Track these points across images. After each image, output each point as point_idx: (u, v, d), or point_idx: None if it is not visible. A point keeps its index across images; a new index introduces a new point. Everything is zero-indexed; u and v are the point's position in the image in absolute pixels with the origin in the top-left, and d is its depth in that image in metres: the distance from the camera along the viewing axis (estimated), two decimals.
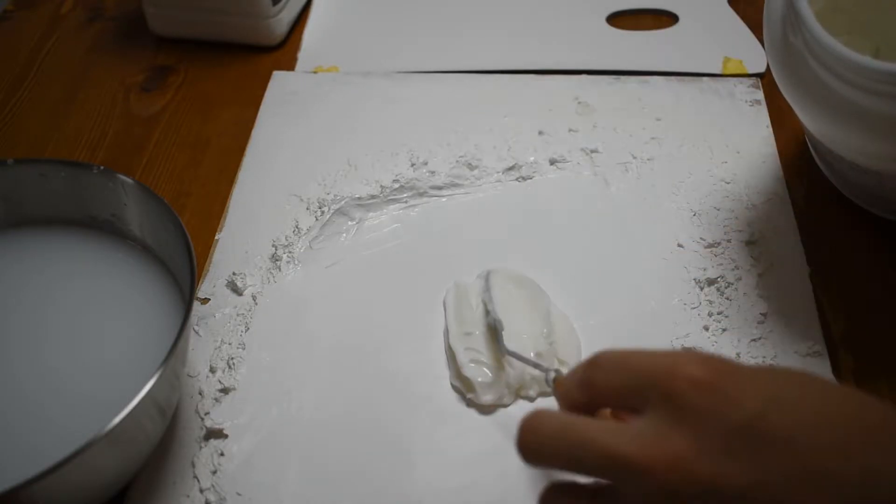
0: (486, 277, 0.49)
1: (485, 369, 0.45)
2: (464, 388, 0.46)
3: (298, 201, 0.56)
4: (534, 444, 0.33)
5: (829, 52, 0.43)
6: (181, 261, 0.43)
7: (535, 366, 0.42)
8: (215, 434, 0.45)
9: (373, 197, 0.55)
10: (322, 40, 0.69)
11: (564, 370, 0.46)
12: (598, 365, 0.34)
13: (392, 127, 0.60)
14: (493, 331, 0.46)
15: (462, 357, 0.46)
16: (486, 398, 0.45)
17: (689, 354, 0.32)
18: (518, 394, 0.46)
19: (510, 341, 0.45)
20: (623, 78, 0.64)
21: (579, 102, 0.62)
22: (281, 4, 0.67)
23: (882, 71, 0.41)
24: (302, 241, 0.53)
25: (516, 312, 0.47)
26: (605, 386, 0.33)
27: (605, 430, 0.31)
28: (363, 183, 0.56)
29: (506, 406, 0.45)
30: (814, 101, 0.46)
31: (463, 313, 0.48)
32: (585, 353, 0.47)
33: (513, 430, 0.44)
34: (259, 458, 0.44)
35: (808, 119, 0.48)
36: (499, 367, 0.45)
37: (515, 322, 0.47)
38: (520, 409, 0.45)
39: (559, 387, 0.37)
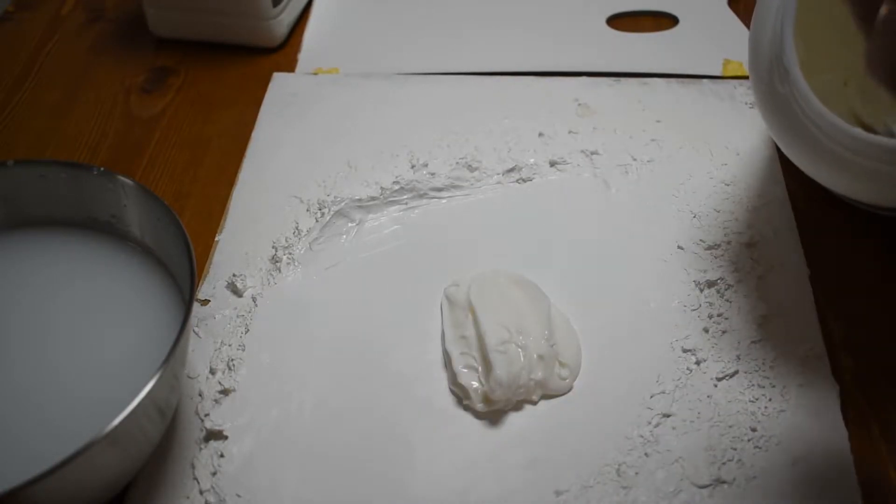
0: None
1: (479, 376, 0.45)
2: (461, 394, 0.46)
3: (298, 203, 0.56)
4: None
5: (815, 113, 0.44)
6: (181, 262, 0.43)
7: None
8: (215, 435, 0.45)
9: (373, 198, 0.55)
10: (322, 42, 0.69)
11: (565, 372, 0.46)
12: None
13: (392, 128, 0.60)
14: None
15: (457, 364, 0.46)
16: (482, 406, 0.45)
17: None
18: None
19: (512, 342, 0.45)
20: (623, 80, 0.64)
21: (579, 104, 0.62)
22: (281, 6, 0.67)
23: (866, 142, 0.42)
24: (302, 242, 0.53)
25: (517, 314, 0.47)
26: None
27: None
28: (363, 184, 0.56)
29: (504, 410, 0.45)
30: (798, 145, 0.46)
31: (458, 317, 0.48)
32: (585, 354, 0.47)
33: (512, 432, 0.44)
34: (259, 460, 0.44)
35: (791, 154, 0.48)
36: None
37: (517, 324, 0.47)
38: (519, 414, 0.45)
39: None
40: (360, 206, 0.55)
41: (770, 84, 0.47)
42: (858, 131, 0.42)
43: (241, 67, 0.67)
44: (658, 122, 0.60)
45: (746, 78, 0.63)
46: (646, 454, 0.43)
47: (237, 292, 0.51)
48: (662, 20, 0.70)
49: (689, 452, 0.43)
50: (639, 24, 0.69)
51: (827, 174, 0.47)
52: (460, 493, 0.42)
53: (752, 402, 0.45)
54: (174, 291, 0.46)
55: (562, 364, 0.46)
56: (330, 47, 0.68)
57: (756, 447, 0.43)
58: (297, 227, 0.54)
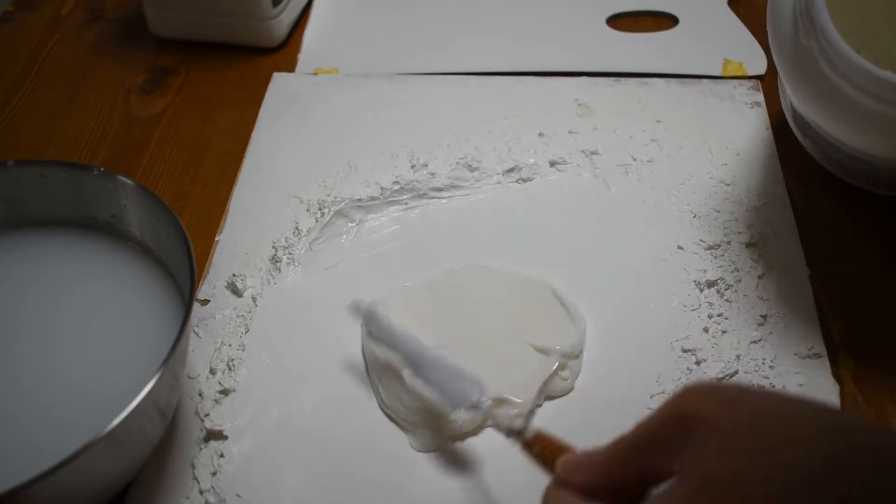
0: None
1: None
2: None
3: (298, 203, 0.56)
4: None
5: (846, 63, 0.44)
6: (181, 262, 0.43)
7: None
8: (215, 435, 0.45)
9: (373, 198, 0.55)
10: (322, 42, 0.69)
11: (566, 372, 0.46)
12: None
13: (392, 128, 0.60)
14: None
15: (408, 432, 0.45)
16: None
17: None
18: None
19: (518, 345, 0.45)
20: (623, 80, 0.64)
21: (579, 104, 0.62)
22: (281, 6, 0.67)
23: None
24: (302, 242, 0.53)
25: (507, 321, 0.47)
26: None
27: None
28: (363, 184, 0.56)
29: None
30: (823, 101, 0.47)
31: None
32: (586, 354, 0.47)
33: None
34: (259, 460, 0.44)
35: (813, 111, 0.48)
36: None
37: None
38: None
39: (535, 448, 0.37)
40: (360, 206, 0.55)
41: (794, 38, 0.47)
42: (888, 74, 0.43)
43: (241, 67, 0.67)
44: (658, 122, 0.60)
45: (747, 78, 0.63)
46: None
47: (237, 292, 0.51)
48: (662, 20, 0.70)
49: None
50: (639, 24, 0.69)
51: (848, 128, 0.47)
52: (461, 494, 0.42)
53: None
54: (174, 291, 0.46)
55: (562, 365, 0.46)
56: (330, 47, 0.68)
57: None
58: (297, 227, 0.54)
